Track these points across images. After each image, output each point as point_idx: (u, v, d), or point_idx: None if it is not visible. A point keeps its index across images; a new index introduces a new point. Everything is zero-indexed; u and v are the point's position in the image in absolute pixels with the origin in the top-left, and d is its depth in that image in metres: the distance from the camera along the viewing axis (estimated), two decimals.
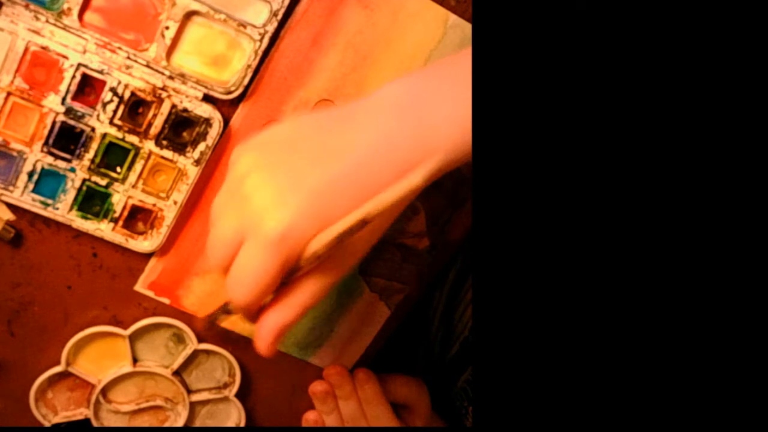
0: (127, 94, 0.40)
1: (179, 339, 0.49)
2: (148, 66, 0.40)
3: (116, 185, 0.43)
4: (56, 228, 0.44)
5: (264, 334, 0.34)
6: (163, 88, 0.40)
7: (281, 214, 0.30)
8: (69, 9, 0.38)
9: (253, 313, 0.34)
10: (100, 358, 0.49)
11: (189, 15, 0.40)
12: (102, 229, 0.44)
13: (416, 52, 0.44)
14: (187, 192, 0.43)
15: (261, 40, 0.41)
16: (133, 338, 0.48)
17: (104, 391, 0.49)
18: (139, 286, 0.47)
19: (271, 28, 0.40)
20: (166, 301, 0.48)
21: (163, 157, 0.42)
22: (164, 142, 0.42)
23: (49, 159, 0.41)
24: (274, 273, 0.31)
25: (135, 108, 0.41)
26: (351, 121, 0.32)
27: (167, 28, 0.39)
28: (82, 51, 0.39)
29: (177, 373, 0.50)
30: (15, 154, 0.40)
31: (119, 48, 0.39)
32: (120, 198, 0.43)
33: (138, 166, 0.42)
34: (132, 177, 0.42)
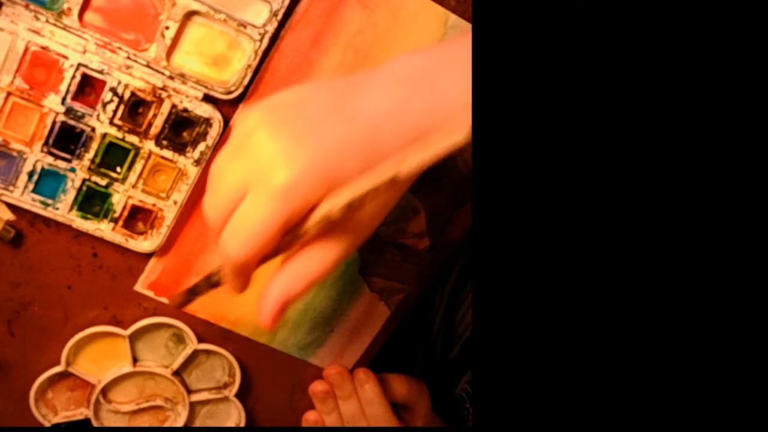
0: (127, 94, 0.40)
1: (179, 339, 0.49)
2: (148, 66, 0.40)
3: (116, 185, 0.43)
4: (56, 228, 0.44)
5: (268, 303, 0.32)
6: (163, 88, 0.40)
7: (289, 167, 0.29)
8: (69, 9, 0.38)
9: (244, 280, 0.33)
10: (100, 358, 0.49)
11: (189, 15, 0.40)
12: (102, 229, 0.44)
13: None
14: (187, 192, 0.43)
15: (261, 40, 0.41)
16: (133, 338, 0.48)
17: (104, 391, 0.49)
18: (139, 286, 0.47)
19: (271, 28, 0.40)
20: (166, 301, 0.48)
21: (163, 157, 0.42)
22: (164, 142, 0.42)
23: (49, 159, 0.41)
24: (276, 227, 0.29)
25: (135, 108, 0.41)
26: (362, 87, 0.32)
27: (167, 28, 0.39)
28: (82, 51, 0.39)
29: (177, 373, 0.50)
30: (15, 154, 0.40)
31: (119, 48, 0.39)
32: (120, 198, 0.43)
33: (138, 166, 0.42)
34: (132, 177, 0.42)
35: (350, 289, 0.51)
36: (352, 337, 0.53)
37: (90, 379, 0.49)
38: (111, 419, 0.51)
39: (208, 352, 0.50)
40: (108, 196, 0.43)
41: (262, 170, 0.29)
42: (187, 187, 0.43)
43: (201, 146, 0.42)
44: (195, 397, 0.51)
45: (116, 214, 0.43)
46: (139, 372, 0.49)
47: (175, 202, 0.44)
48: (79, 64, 0.39)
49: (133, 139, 0.41)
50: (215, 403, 0.53)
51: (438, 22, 0.43)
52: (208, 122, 0.42)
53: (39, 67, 0.39)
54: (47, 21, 0.38)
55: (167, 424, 0.52)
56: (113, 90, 0.40)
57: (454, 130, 0.27)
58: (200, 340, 0.49)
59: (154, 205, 0.44)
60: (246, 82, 0.41)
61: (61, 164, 0.41)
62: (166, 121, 0.41)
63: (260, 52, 0.41)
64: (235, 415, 0.53)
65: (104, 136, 0.41)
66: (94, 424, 0.50)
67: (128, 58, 0.40)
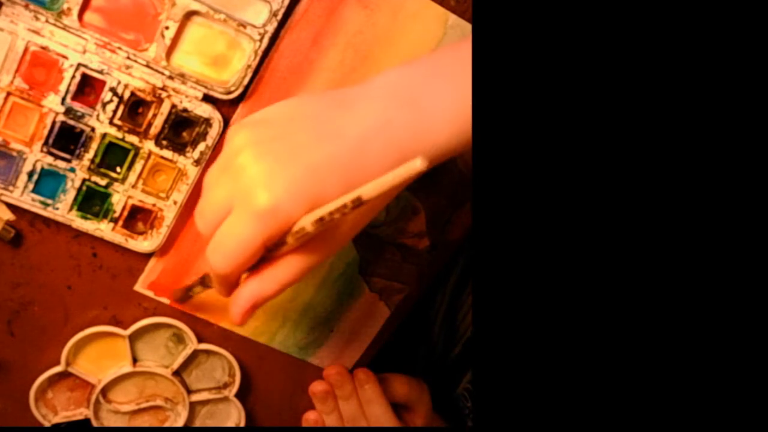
0: (126, 94, 0.40)
1: (179, 339, 0.49)
2: (148, 66, 0.40)
3: (116, 185, 0.43)
4: (56, 228, 0.44)
5: (239, 302, 0.33)
6: (163, 88, 0.40)
7: (272, 189, 0.30)
8: (69, 9, 0.38)
9: (228, 288, 0.34)
10: (100, 358, 0.49)
11: (189, 15, 0.40)
12: (102, 229, 0.44)
13: (416, 52, 0.43)
14: (187, 192, 0.43)
15: (261, 40, 0.41)
16: (133, 338, 0.48)
17: (104, 391, 0.49)
18: (139, 286, 0.47)
19: (271, 28, 0.40)
20: (166, 301, 0.48)
21: (163, 157, 0.42)
22: (164, 142, 0.42)
23: (49, 159, 0.41)
24: (256, 245, 0.31)
25: (135, 108, 0.41)
26: (348, 105, 0.32)
27: (167, 28, 0.39)
28: (82, 51, 0.39)
29: (177, 373, 0.50)
30: (15, 154, 0.40)
31: (119, 48, 0.39)
32: (120, 198, 0.43)
33: (138, 166, 0.42)
34: (132, 177, 0.42)
35: (350, 289, 0.51)
36: (352, 337, 0.53)
37: (90, 379, 0.49)
38: (111, 419, 0.51)
39: (208, 352, 0.50)
40: (108, 196, 0.43)
41: (245, 191, 0.30)
42: (187, 187, 0.43)
43: (201, 146, 0.42)
44: (195, 397, 0.51)
45: (116, 214, 0.43)
46: (139, 372, 0.49)
47: (175, 202, 0.44)
48: (79, 64, 0.39)
49: (132, 139, 0.41)
50: (215, 403, 0.53)
51: (438, 22, 0.43)
52: (207, 122, 0.42)
53: (39, 67, 0.39)
54: (47, 21, 0.38)
55: (167, 424, 0.52)
56: (113, 90, 0.40)
57: (417, 158, 0.28)
58: (200, 340, 0.49)
59: (153, 205, 0.44)
60: (246, 82, 0.41)
61: (61, 164, 0.41)
62: (165, 121, 0.41)
63: (260, 52, 0.41)
64: (235, 415, 0.53)
65: (104, 136, 0.41)
66: (94, 424, 0.50)
67: (128, 58, 0.40)
